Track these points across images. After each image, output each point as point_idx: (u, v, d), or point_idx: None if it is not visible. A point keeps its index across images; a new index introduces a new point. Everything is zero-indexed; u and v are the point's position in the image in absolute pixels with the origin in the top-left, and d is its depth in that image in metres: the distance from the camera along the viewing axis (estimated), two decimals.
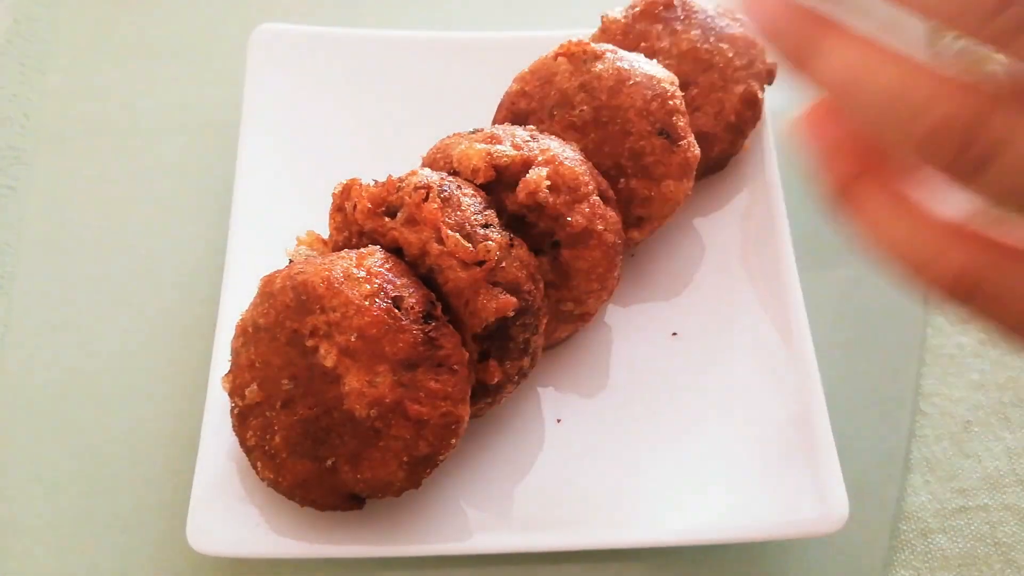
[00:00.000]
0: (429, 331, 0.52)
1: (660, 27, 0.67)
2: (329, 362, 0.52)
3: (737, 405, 0.61)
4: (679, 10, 0.67)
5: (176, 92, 0.81)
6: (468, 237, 0.54)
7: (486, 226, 0.55)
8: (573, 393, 0.63)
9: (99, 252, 0.72)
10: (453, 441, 0.53)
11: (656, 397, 0.62)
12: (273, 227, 0.65)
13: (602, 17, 0.68)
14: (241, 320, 0.56)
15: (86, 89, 0.81)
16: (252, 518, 0.56)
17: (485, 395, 0.56)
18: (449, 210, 0.55)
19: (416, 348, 0.51)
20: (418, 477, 0.53)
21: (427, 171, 0.57)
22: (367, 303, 0.51)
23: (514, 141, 0.59)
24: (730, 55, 0.65)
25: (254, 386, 0.54)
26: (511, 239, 0.55)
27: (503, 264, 0.54)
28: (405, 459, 0.52)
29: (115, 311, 0.69)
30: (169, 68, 0.82)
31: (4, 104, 0.79)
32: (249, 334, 0.55)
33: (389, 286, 0.52)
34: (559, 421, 0.61)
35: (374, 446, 0.52)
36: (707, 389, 0.62)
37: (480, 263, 0.53)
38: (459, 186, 0.56)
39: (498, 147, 0.58)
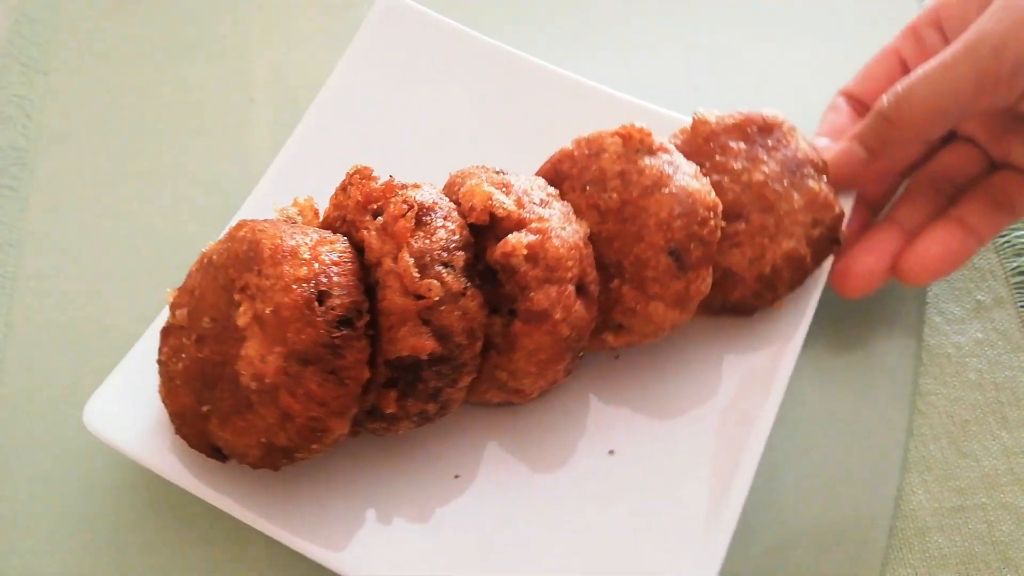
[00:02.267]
0: (337, 336, 0.51)
1: (744, 146, 0.62)
2: (241, 321, 0.53)
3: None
4: (772, 138, 0.62)
5: (178, 92, 0.81)
6: (422, 268, 0.53)
7: (446, 265, 0.54)
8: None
9: (101, 252, 0.73)
10: (315, 446, 0.53)
11: (582, 511, 0.60)
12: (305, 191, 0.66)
13: (695, 114, 0.64)
14: (208, 249, 0.59)
15: (88, 89, 0.81)
16: (150, 426, 0.59)
17: (380, 419, 0.56)
18: (421, 235, 0.54)
19: (316, 346, 0.51)
20: (274, 462, 0.54)
21: (429, 190, 0.57)
22: (294, 285, 0.52)
23: (521, 198, 0.57)
24: (796, 206, 0.60)
25: (185, 311, 0.57)
26: (466, 288, 0.54)
27: (442, 308, 0.53)
28: (263, 440, 0.52)
29: (116, 311, 0.71)
30: (170, 68, 0.83)
31: (6, 104, 0.80)
32: (204, 264, 0.58)
33: (323, 278, 0.52)
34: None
35: (242, 415, 0.53)
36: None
37: (419, 297, 0.53)
38: (445, 217, 0.55)
39: (499, 196, 0.56)
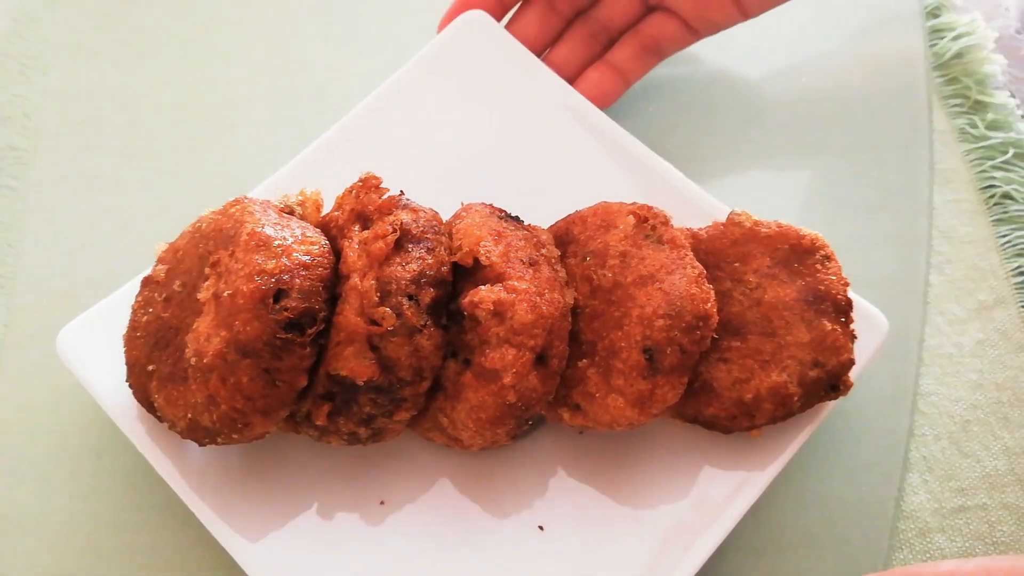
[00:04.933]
0: (283, 337, 0.51)
1: (768, 261, 0.58)
2: (202, 296, 0.54)
3: None
4: (801, 261, 0.57)
5: (177, 91, 0.80)
6: (385, 294, 0.52)
7: (410, 297, 0.53)
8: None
9: (99, 252, 0.73)
10: (235, 436, 0.53)
11: None
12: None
13: (731, 213, 0.60)
14: (204, 215, 0.59)
15: (87, 89, 0.81)
16: (116, 368, 0.60)
17: (311, 426, 0.55)
18: (396, 260, 0.53)
19: (258, 342, 0.51)
20: (198, 438, 0.54)
21: (425, 218, 0.56)
22: (256, 277, 0.51)
23: (509, 251, 0.55)
24: (800, 340, 0.55)
25: (164, 268, 0.58)
26: (424, 325, 0.53)
27: (393, 339, 0.52)
28: (189, 416, 0.53)
29: None
30: (169, 68, 0.82)
31: (5, 104, 0.80)
32: (196, 229, 0.58)
33: (287, 277, 0.52)
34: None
35: (177, 385, 0.53)
36: None
37: (373, 323, 0.52)
38: (429, 249, 0.54)
39: (488, 244, 0.54)
